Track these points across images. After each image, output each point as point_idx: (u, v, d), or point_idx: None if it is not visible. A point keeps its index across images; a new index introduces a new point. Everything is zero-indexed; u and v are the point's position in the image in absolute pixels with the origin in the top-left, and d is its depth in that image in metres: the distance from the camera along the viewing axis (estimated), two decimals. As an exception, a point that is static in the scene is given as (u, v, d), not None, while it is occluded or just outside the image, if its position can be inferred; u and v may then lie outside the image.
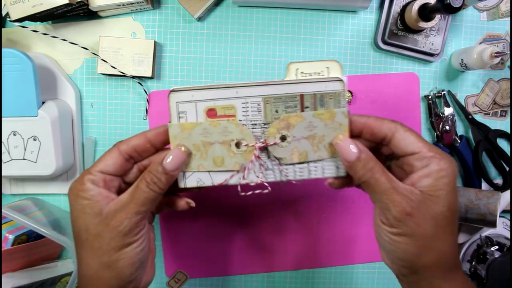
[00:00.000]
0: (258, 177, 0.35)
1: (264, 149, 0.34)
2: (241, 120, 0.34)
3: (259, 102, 0.33)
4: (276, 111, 0.33)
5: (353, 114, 0.34)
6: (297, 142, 0.34)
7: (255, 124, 0.34)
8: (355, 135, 0.34)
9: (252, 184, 0.35)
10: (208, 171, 0.34)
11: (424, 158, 0.31)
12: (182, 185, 0.35)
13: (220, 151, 0.34)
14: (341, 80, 0.33)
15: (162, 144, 0.35)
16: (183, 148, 0.33)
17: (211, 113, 0.33)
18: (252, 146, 0.33)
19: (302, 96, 0.33)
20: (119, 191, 0.34)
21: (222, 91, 0.33)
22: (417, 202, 0.30)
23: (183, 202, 0.37)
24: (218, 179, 0.35)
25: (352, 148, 0.32)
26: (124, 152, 0.34)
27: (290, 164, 0.34)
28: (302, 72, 0.35)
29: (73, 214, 0.32)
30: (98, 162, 0.33)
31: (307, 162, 0.34)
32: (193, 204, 0.37)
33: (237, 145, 0.34)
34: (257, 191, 0.35)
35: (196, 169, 0.34)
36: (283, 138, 0.33)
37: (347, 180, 0.35)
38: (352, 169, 0.32)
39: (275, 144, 0.33)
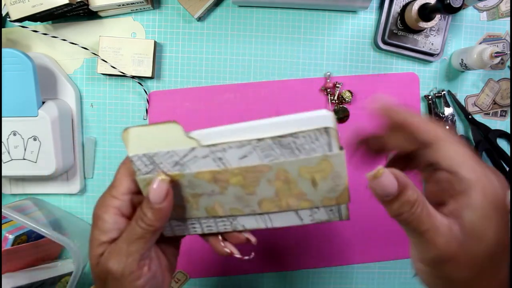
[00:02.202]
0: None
1: None
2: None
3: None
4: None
5: (393, 104, 0.28)
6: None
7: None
8: (389, 127, 0.29)
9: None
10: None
11: (463, 181, 0.25)
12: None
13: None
14: None
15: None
16: (163, 176, 0.28)
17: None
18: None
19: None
20: None
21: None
22: (458, 243, 0.25)
23: (227, 250, 0.33)
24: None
25: (392, 181, 0.25)
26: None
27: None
28: None
29: (89, 242, 0.31)
30: (123, 179, 0.30)
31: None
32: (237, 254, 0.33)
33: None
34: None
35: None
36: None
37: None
38: (387, 205, 0.26)
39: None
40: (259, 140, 0.26)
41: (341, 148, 0.26)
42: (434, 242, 0.25)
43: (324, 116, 0.25)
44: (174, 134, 0.27)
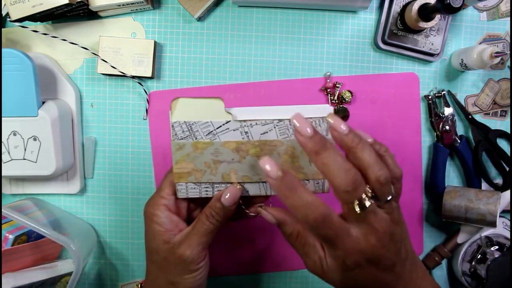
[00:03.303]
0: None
1: None
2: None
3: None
4: None
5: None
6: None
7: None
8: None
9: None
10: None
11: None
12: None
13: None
14: None
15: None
16: (238, 186, 0.36)
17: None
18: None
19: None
20: (189, 212, 0.40)
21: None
22: (321, 269, 0.33)
23: (254, 209, 0.39)
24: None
25: (270, 218, 0.36)
26: None
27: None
28: None
29: (147, 235, 0.38)
30: (167, 184, 0.38)
31: None
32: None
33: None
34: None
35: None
36: None
37: None
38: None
39: None
40: (280, 120, 0.34)
41: None
42: (306, 263, 0.34)
43: (327, 109, 0.35)
44: (216, 107, 0.34)
